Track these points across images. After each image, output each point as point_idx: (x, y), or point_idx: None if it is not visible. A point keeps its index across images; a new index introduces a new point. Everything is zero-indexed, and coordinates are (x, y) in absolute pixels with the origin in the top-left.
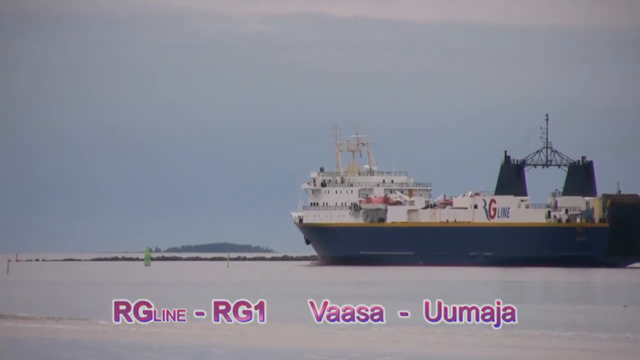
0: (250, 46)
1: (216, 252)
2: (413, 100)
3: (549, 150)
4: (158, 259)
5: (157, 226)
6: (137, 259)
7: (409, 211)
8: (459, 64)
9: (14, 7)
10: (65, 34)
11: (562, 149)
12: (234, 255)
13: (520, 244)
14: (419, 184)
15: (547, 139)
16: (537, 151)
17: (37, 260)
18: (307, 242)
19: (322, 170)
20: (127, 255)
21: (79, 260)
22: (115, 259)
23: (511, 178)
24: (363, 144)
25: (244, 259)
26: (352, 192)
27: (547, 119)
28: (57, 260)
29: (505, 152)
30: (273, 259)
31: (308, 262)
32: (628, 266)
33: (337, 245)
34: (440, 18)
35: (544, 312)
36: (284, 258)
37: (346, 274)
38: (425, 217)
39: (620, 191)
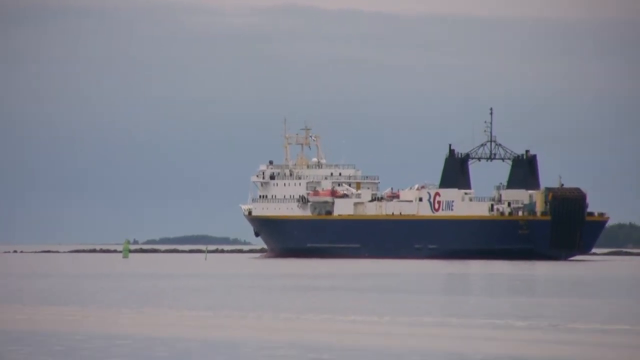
0: (215, 40)
1: (194, 244)
2: (362, 94)
3: (493, 143)
4: (136, 251)
5: (135, 218)
6: (115, 251)
7: (356, 204)
8: (406, 56)
9: (8, 0)
10: (57, 27)
11: (506, 142)
12: (212, 247)
13: (463, 237)
14: (367, 177)
15: (491, 132)
16: (482, 145)
17: (15, 252)
18: (257, 234)
19: (271, 163)
20: (105, 248)
21: (57, 252)
22: (94, 251)
23: (455, 171)
24: (312, 137)
25: (222, 251)
26: (300, 184)
27: (491, 113)
28: (35, 252)
29: (450, 145)
30: (251, 251)
31: (258, 255)
32: (569, 259)
33: (285, 238)
34: (388, 10)
35: (488, 305)
36: (263, 250)
37: (287, 266)
38: (371, 210)
39: (562, 185)
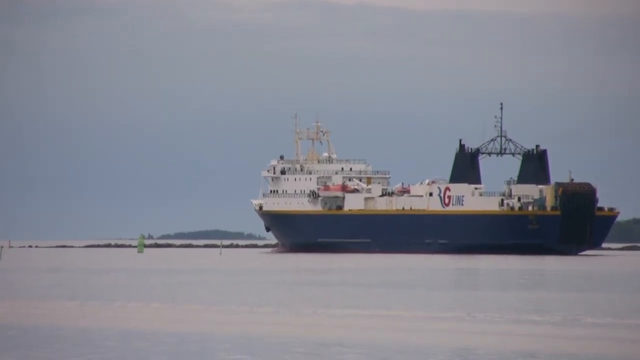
0: (225, 35)
1: (209, 239)
2: (373, 89)
3: (503, 138)
4: (151, 246)
5: (150, 213)
6: (130, 246)
7: (366, 199)
8: (417, 52)
9: None
10: (60, 21)
11: (516, 137)
12: (226, 242)
13: (473, 232)
14: (378, 171)
15: (501, 127)
16: (492, 140)
17: (30, 247)
18: (268, 229)
19: (281, 158)
20: (119, 242)
21: (72, 247)
22: (109, 245)
23: (466, 166)
24: (323, 132)
25: (237, 246)
26: (310, 179)
27: (501, 108)
28: (50, 247)
29: (460, 140)
30: (266, 246)
31: (269, 249)
32: (579, 254)
33: (296, 233)
34: (400, 5)
35: (501, 299)
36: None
37: (296, 261)
38: (382, 205)
39: (572, 179)
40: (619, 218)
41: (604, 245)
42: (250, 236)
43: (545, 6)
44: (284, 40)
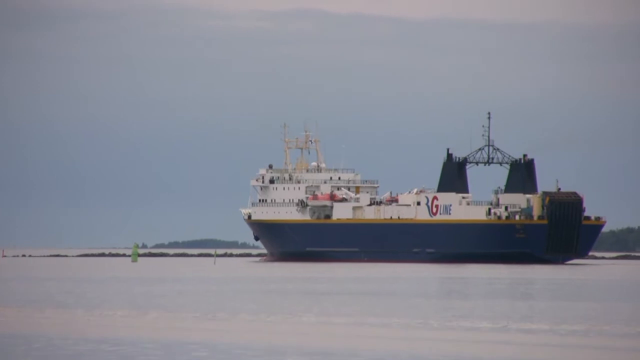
0: (215, 44)
1: (203, 248)
2: (362, 98)
3: (491, 148)
4: (145, 255)
5: (144, 223)
6: (125, 255)
7: (354, 208)
8: (405, 60)
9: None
10: (56, 28)
11: (504, 146)
12: (220, 251)
13: (461, 241)
14: (366, 181)
15: (489, 136)
16: (480, 149)
17: (24, 256)
18: (256, 238)
19: (270, 167)
20: (114, 252)
21: (66, 256)
22: (102, 255)
23: (453, 175)
24: (312, 142)
25: (231, 255)
26: (299, 188)
27: (489, 117)
28: (44, 256)
29: (448, 149)
30: (259, 255)
31: (257, 259)
32: (566, 262)
33: (285, 242)
34: (391, 14)
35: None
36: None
37: (284, 270)
38: (370, 214)
39: (559, 189)
40: (613, 227)
41: (598, 254)
42: (244, 245)
43: (533, 15)
44: (274, 49)
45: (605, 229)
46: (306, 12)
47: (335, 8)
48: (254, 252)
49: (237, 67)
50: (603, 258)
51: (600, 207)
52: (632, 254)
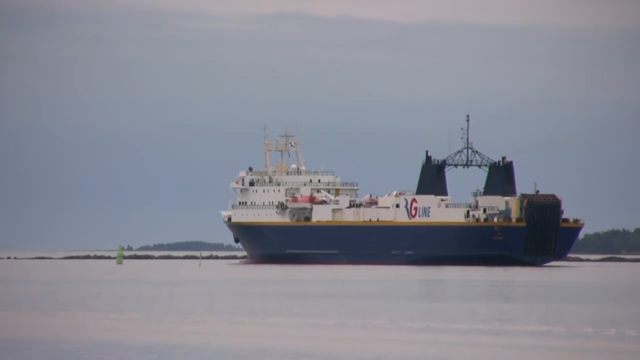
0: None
1: (188, 250)
2: (341, 101)
3: (469, 150)
4: (130, 257)
5: (129, 225)
6: (110, 257)
7: (334, 210)
8: (383, 63)
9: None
10: (51, 31)
11: (482, 149)
12: (206, 253)
13: (440, 243)
14: (346, 183)
15: (467, 139)
16: (458, 151)
17: (8, 258)
18: (237, 240)
19: (250, 169)
20: (99, 254)
21: (51, 258)
22: (87, 257)
23: (432, 178)
24: (292, 144)
25: (216, 257)
26: (279, 191)
27: (467, 120)
28: (29, 259)
29: (427, 152)
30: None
31: (237, 261)
32: (544, 265)
33: (264, 244)
34: (372, 17)
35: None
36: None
37: (263, 273)
38: (349, 217)
39: (538, 191)
40: (598, 229)
41: (583, 256)
42: (229, 247)
43: (513, 18)
44: (257, 51)
45: (590, 232)
46: (292, 15)
47: (319, 11)
48: (239, 254)
49: (219, 69)
50: (588, 260)
51: (584, 209)
52: (617, 256)
